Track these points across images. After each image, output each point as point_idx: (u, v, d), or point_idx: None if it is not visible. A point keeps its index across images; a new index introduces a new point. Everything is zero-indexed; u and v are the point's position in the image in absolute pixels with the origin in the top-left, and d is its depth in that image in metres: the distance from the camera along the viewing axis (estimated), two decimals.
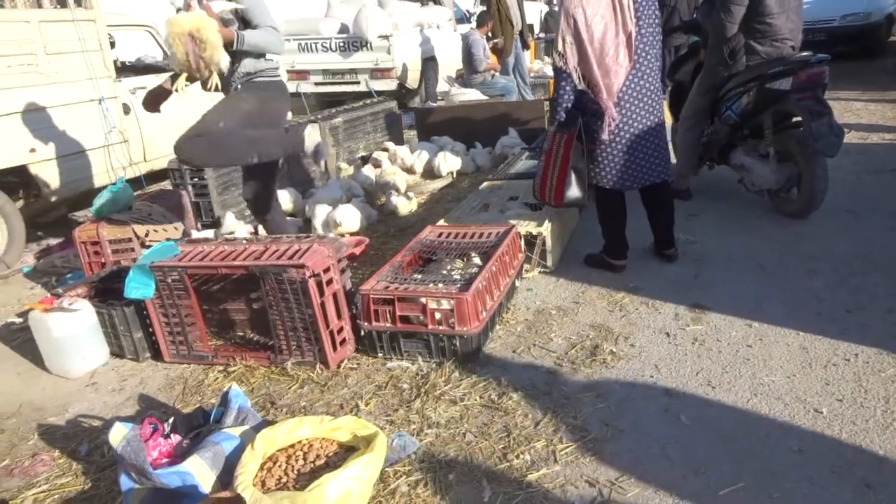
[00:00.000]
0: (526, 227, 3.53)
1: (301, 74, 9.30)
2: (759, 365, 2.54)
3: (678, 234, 3.61)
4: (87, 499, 2.15)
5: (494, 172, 4.95)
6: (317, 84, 9.52)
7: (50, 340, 2.94)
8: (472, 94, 8.16)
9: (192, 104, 5.54)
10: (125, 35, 6.20)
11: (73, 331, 2.91)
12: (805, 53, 3.75)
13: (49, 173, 4.50)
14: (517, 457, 2.14)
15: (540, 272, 3.57)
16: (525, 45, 9.96)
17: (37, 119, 4.39)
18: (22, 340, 3.32)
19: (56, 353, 2.96)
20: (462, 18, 11.91)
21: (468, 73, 8.68)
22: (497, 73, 8.81)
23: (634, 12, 3.08)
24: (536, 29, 15.07)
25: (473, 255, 3.22)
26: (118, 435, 1.91)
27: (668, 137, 3.41)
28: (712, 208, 4.30)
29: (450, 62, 10.44)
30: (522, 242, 3.49)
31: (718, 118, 4.19)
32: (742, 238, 3.77)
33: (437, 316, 2.71)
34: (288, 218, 4.53)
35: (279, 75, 3.40)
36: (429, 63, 9.82)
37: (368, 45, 9.00)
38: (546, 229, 3.50)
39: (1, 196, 4.28)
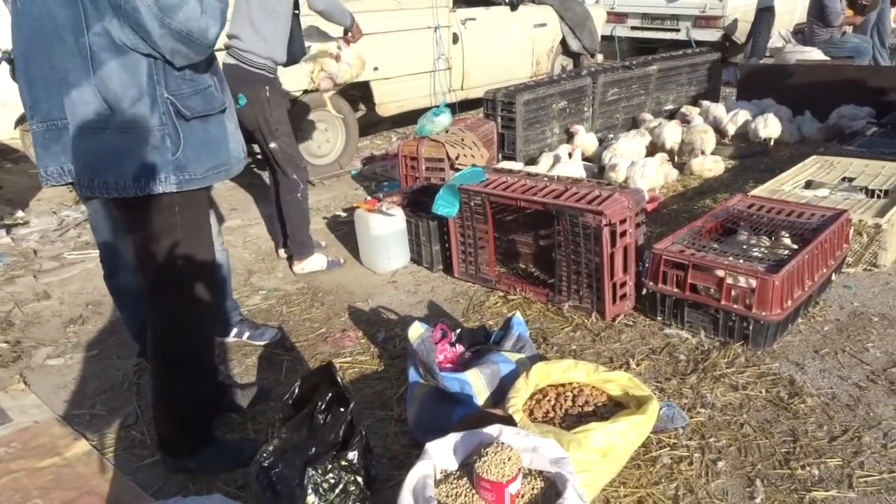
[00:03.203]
0: (860, 213, 3.02)
1: (619, 17, 9.00)
2: None
3: None
4: (379, 378, 2.47)
5: (827, 146, 4.29)
6: (633, 28, 9.13)
7: (367, 237, 3.38)
8: (813, 54, 7.07)
9: (505, 41, 5.76)
10: None
11: (386, 232, 3.31)
12: None
13: (385, 91, 5.08)
14: (802, 468, 1.90)
15: (864, 270, 3.05)
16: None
17: (383, 41, 4.93)
18: (344, 232, 3.88)
19: (369, 249, 3.40)
20: None
21: (811, 28, 7.51)
22: (849, 31, 7.49)
23: None
24: None
25: (784, 234, 2.87)
26: (415, 332, 2.13)
27: None
28: None
29: (789, 14, 9.15)
30: (852, 231, 3.00)
31: None
32: None
33: (734, 293, 2.49)
34: (584, 163, 4.50)
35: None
36: (763, 14, 8.69)
37: None
38: (889, 221, 2.95)
39: (345, 106, 4.96)
